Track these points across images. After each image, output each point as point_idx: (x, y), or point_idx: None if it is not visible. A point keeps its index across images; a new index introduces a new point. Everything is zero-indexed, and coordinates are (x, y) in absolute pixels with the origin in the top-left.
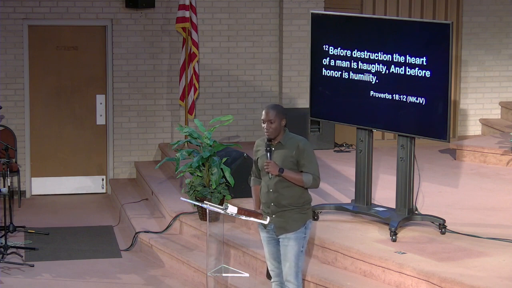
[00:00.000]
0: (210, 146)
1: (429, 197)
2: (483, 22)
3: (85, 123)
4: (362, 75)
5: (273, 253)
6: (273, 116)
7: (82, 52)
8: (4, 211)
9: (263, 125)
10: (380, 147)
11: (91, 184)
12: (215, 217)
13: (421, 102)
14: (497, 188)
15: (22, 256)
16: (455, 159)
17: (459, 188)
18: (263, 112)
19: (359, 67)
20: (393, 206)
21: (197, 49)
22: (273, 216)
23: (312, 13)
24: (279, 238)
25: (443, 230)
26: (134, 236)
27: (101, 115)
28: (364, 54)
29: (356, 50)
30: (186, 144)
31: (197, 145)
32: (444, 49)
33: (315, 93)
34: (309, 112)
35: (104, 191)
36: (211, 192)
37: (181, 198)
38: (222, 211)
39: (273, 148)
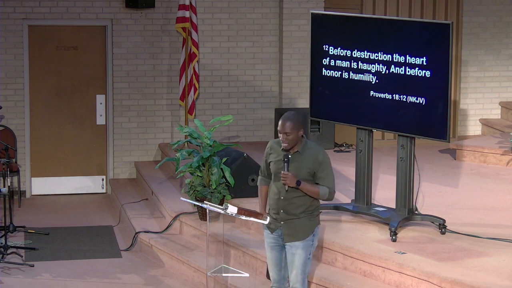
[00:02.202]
0: (210, 146)
1: (429, 197)
2: (483, 22)
3: (85, 123)
4: (362, 75)
5: (276, 259)
6: (290, 129)
7: (82, 52)
8: (4, 211)
9: (279, 135)
10: (380, 147)
11: (91, 184)
12: (215, 217)
13: (421, 102)
14: (497, 188)
15: (22, 256)
16: (455, 159)
17: (459, 188)
18: (280, 123)
19: (359, 67)
20: (393, 206)
21: (197, 49)
22: (282, 222)
23: (312, 13)
24: (285, 245)
25: (443, 230)
26: (134, 236)
27: (101, 115)
28: (364, 54)
29: (356, 50)
30: (186, 144)
31: (197, 145)
32: (444, 49)
33: (315, 93)
34: (309, 112)
35: (104, 191)
36: (211, 192)
37: (181, 198)
38: (222, 211)
39: (289, 156)
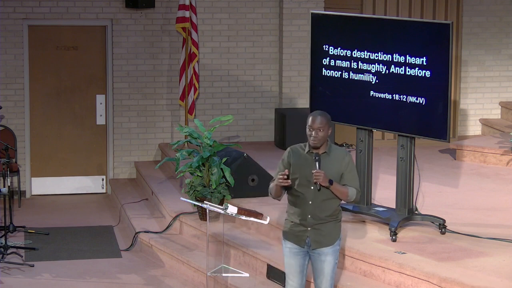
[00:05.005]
0: (210, 146)
1: (429, 197)
2: (483, 22)
3: (85, 123)
4: (362, 75)
5: (300, 266)
6: (323, 124)
7: (82, 52)
8: (4, 211)
9: (309, 132)
10: (380, 147)
11: (91, 184)
12: (215, 217)
13: (421, 102)
14: (497, 188)
15: (22, 256)
16: (455, 159)
17: (459, 188)
18: (310, 119)
19: (359, 67)
20: (393, 206)
21: (197, 49)
22: (309, 228)
23: (312, 13)
24: (310, 252)
25: (443, 230)
26: (134, 236)
27: (101, 115)
28: (364, 54)
29: (356, 50)
30: (186, 144)
31: (197, 145)
32: (444, 49)
33: (315, 93)
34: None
35: (104, 191)
36: (211, 192)
37: (181, 198)
38: (222, 211)
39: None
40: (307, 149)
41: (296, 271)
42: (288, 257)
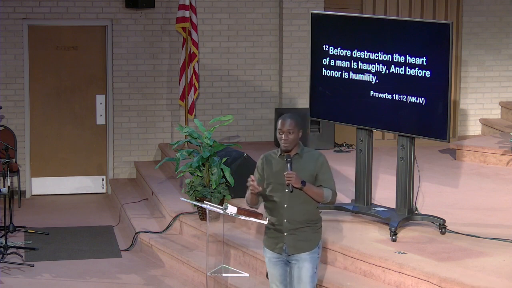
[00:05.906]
0: (210, 146)
1: (429, 197)
2: (483, 22)
3: (85, 123)
4: (362, 75)
5: (281, 275)
6: (292, 126)
7: (82, 52)
8: (4, 211)
9: (279, 135)
10: (380, 147)
11: (91, 184)
12: (215, 217)
13: (421, 102)
14: (497, 188)
15: (22, 256)
16: (455, 159)
17: (459, 188)
18: (280, 122)
19: (359, 67)
20: (393, 206)
21: (197, 49)
22: (285, 234)
23: (312, 13)
24: (289, 259)
25: (443, 230)
26: (134, 236)
27: (101, 115)
28: (364, 54)
29: (356, 50)
30: (186, 144)
31: (197, 145)
32: (444, 49)
33: (315, 93)
34: (309, 112)
35: (104, 191)
36: (211, 192)
37: (181, 198)
38: (222, 211)
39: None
40: (279, 153)
41: (278, 280)
42: (269, 267)
